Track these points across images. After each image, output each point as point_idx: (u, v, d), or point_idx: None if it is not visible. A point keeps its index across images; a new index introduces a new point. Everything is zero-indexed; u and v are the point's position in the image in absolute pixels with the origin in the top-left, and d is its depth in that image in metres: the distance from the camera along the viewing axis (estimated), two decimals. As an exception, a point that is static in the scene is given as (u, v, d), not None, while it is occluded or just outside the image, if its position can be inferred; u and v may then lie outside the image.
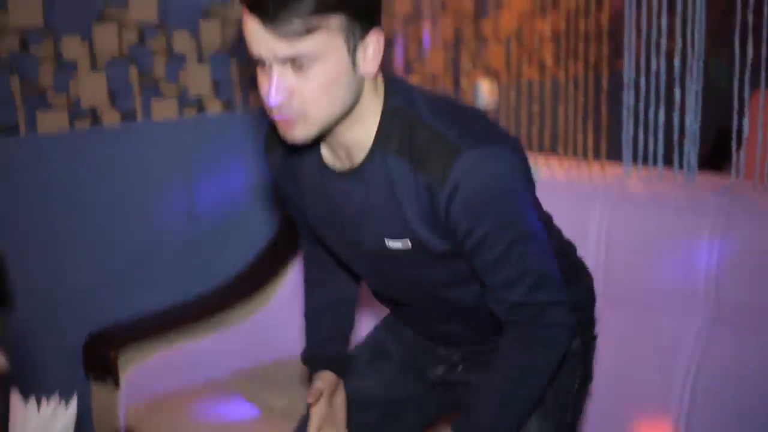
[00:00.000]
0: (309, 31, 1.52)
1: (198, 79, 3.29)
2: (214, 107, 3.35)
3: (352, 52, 1.57)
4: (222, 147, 3.38)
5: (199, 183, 3.35)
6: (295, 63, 1.54)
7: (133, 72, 3.11)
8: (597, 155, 3.17)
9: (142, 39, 3.13)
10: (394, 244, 1.70)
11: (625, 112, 2.88)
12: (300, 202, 1.90)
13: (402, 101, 1.67)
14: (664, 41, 2.76)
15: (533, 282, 1.68)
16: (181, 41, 3.23)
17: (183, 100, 3.27)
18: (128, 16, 3.08)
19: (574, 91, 3.28)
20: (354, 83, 1.60)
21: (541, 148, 3.37)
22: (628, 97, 2.88)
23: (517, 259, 1.65)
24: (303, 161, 1.82)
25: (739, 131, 2.72)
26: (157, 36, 3.16)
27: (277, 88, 1.55)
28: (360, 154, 1.68)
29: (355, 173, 1.69)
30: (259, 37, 1.54)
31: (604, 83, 3.00)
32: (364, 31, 1.58)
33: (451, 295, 1.83)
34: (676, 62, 2.75)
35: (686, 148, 2.74)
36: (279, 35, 1.52)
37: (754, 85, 2.68)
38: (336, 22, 1.53)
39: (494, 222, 1.62)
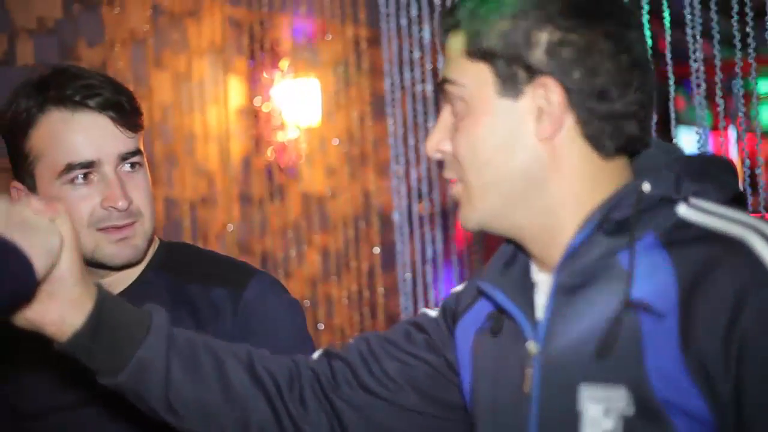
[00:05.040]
0: (141, 129, 1.66)
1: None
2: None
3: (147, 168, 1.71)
4: None
5: None
6: (132, 161, 1.63)
7: None
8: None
9: None
10: None
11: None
12: None
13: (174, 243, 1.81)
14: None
15: None
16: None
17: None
18: None
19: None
20: None
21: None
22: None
23: None
24: None
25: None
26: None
27: (122, 187, 1.60)
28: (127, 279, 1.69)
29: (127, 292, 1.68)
30: (104, 136, 1.59)
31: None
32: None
33: None
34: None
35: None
36: (128, 130, 1.61)
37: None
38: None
39: None
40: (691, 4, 2.62)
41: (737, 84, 2.67)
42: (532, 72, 1.19)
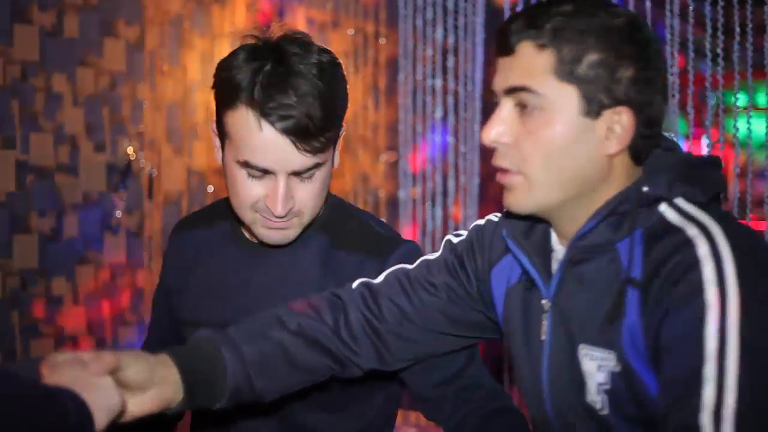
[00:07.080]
0: (327, 145, 1.70)
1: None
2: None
3: (332, 159, 1.77)
4: None
5: None
6: (306, 173, 1.69)
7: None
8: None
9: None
10: None
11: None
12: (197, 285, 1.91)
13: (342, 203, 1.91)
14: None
15: None
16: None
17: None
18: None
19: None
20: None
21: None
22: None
23: None
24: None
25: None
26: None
27: (286, 197, 1.68)
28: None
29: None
30: (282, 155, 1.65)
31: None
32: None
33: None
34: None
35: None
36: (307, 152, 1.66)
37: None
38: (336, 133, 1.75)
39: None
40: (671, 23, 2.90)
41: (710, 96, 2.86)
42: (614, 101, 1.38)
